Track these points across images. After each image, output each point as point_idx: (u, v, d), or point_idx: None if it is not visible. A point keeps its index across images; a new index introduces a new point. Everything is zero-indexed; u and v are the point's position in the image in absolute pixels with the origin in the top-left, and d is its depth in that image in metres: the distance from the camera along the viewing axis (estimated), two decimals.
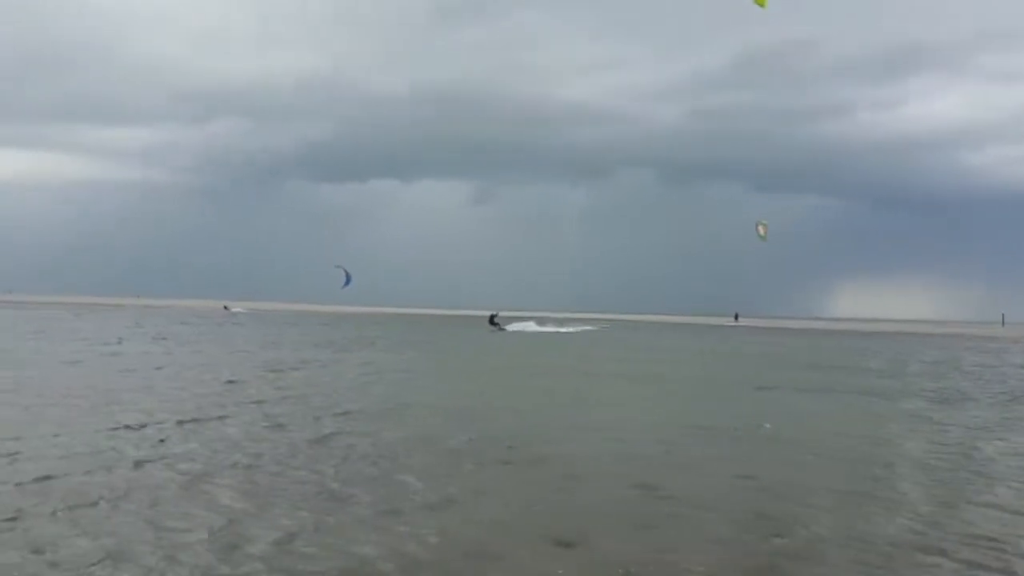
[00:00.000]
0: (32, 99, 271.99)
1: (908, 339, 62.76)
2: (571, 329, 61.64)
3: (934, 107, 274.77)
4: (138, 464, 8.99)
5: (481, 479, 8.99)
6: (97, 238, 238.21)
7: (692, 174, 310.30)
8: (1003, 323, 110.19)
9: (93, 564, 5.76)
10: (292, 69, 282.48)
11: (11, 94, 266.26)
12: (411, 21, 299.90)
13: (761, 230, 52.78)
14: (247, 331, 46.20)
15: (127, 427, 11.30)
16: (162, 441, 10.39)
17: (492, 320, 56.98)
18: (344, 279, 53.22)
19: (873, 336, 69.93)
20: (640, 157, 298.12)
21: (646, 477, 9.22)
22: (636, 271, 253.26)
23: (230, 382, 17.80)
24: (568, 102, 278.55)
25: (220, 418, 12.48)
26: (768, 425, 13.55)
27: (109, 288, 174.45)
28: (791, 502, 8.27)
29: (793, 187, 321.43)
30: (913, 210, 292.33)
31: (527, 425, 13.07)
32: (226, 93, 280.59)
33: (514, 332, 54.89)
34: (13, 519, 6.73)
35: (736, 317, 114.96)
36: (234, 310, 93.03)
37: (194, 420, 12.15)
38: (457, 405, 15.22)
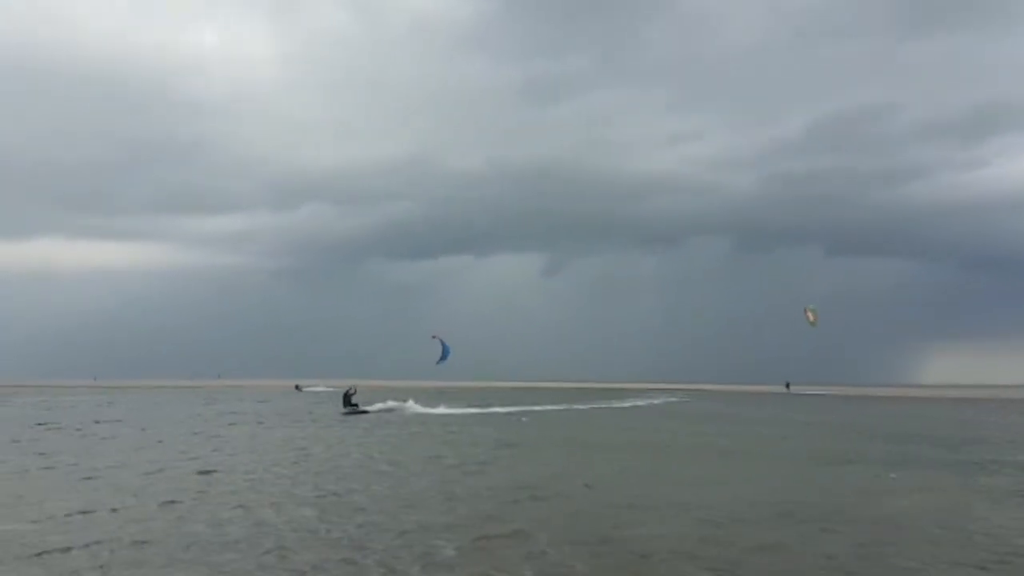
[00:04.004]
0: (136, 193, 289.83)
1: (989, 405, 59.66)
2: (454, 411, 45.33)
3: (1018, 166, 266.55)
4: None
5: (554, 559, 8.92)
6: (186, 322, 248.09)
7: (767, 240, 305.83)
8: None
9: None
10: (375, 154, 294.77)
11: (117, 189, 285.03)
12: (492, 102, 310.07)
13: (810, 316, 51.77)
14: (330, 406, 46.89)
15: None
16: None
17: (347, 399, 43.08)
18: (441, 352, 46.71)
19: (962, 403, 66.72)
20: (714, 225, 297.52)
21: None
22: (706, 339, 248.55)
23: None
24: (643, 174, 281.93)
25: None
26: None
27: (188, 370, 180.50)
28: None
29: (872, 251, 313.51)
30: (1000, 271, 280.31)
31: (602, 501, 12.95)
32: (312, 180, 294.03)
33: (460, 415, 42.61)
34: None
35: (787, 386, 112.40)
36: (306, 389, 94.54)
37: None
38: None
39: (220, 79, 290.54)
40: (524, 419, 38.61)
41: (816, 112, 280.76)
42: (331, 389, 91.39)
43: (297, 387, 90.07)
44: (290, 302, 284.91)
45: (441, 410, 44.59)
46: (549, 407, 53.92)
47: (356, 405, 42.48)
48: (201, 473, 16.52)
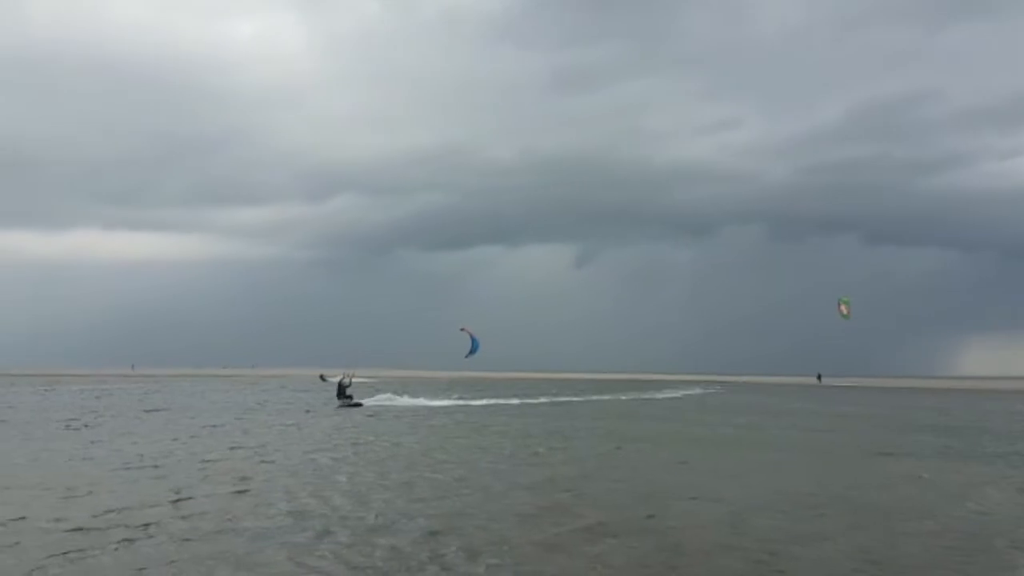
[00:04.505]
0: (171, 185, 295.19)
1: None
2: (446, 402, 43.82)
3: None
4: None
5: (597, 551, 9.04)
6: (220, 313, 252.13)
7: (802, 230, 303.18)
8: None
9: None
10: (407, 145, 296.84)
11: (152, 181, 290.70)
12: (524, 92, 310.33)
13: (844, 309, 51.12)
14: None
15: None
16: None
17: (342, 391, 40.00)
18: (469, 345, 45.22)
19: (1000, 395, 65.54)
20: (748, 214, 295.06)
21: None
22: (738, 330, 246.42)
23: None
24: (676, 163, 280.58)
25: None
26: None
27: (222, 360, 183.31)
28: None
29: (910, 240, 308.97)
30: None
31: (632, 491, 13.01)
32: (345, 172, 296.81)
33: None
34: None
35: (819, 377, 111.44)
36: (330, 379, 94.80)
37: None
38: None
39: (254, 72, 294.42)
40: (539, 409, 38.63)
41: (853, 100, 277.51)
42: (360, 380, 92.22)
43: (322, 377, 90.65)
44: (322, 293, 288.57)
45: (441, 402, 44.05)
46: (576, 398, 54.01)
47: (350, 397, 39.80)
48: (264, 461, 16.90)
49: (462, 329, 45.56)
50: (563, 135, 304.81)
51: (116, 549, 8.88)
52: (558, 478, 14.80)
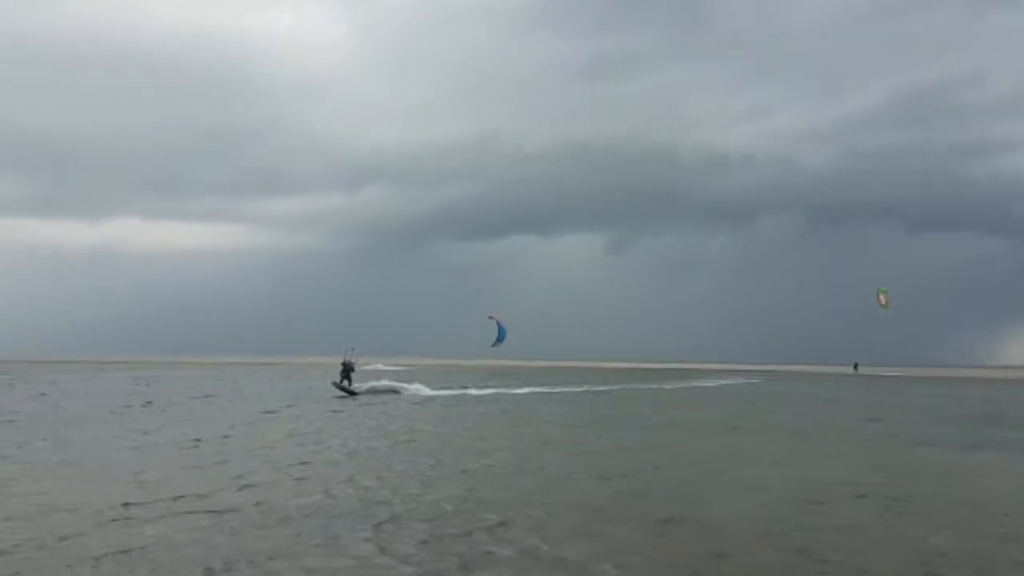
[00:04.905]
0: (206, 176, 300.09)
1: None
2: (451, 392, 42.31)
3: None
4: None
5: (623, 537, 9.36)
6: (258, 301, 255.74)
7: (842, 216, 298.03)
8: None
9: None
10: (441, 134, 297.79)
11: (189, 172, 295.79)
12: (559, 80, 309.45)
13: (882, 299, 50.59)
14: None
15: None
16: None
17: (345, 373, 38.35)
18: (497, 334, 44.20)
19: None
20: (786, 201, 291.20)
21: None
22: (775, 318, 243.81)
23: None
24: (713, 150, 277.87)
25: None
26: None
27: (260, 348, 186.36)
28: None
29: (953, 227, 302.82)
30: None
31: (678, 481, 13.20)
32: (379, 161, 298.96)
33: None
34: None
35: (856, 367, 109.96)
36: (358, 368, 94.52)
37: None
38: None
39: (291, 62, 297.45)
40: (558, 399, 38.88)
41: (894, 84, 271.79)
42: (386, 368, 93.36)
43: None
44: (356, 282, 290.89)
45: (480, 391, 43.70)
46: (612, 387, 54.23)
47: (349, 381, 38.17)
48: (320, 446, 17.61)
49: (491, 317, 45.41)
50: (597, 122, 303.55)
51: (196, 539, 9.03)
52: (603, 467, 15.04)
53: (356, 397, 36.78)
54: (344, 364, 38.33)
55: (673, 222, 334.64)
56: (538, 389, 47.08)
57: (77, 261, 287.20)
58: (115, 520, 9.95)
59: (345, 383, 38.09)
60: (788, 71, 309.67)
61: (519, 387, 48.59)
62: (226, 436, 19.56)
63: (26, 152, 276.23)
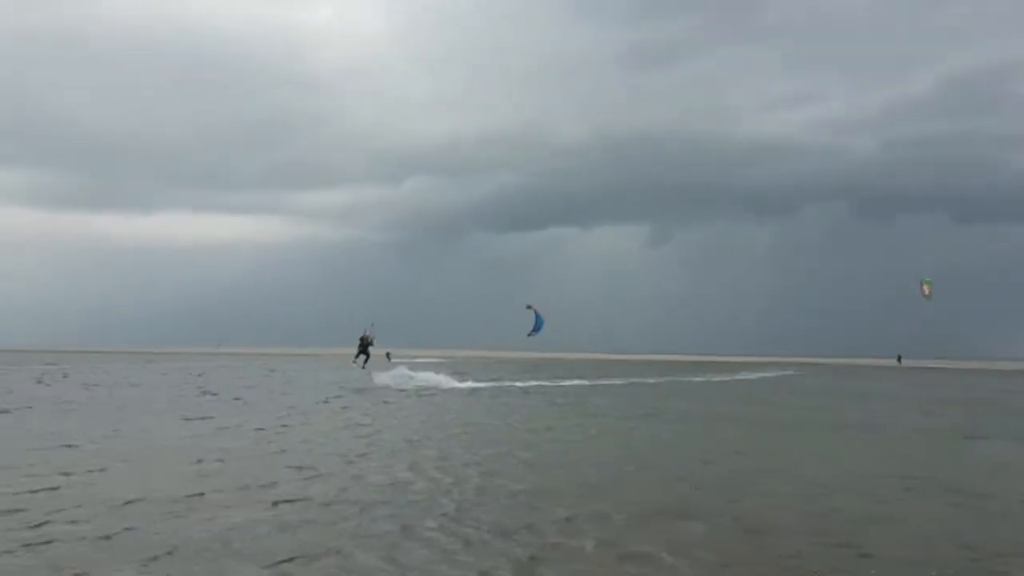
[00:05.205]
0: (248, 168, 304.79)
1: None
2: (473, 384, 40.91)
3: None
4: None
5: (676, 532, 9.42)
6: (299, 293, 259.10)
7: (888, 207, 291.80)
8: None
9: None
10: (481, 126, 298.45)
11: (230, 164, 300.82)
12: (598, 70, 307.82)
13: (926, 289, 49.74)
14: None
15: None
16: None
17: (363, 350, 38.42)
18: (533, 323, 43.00)
19: None
20: (830, 191, 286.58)
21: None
22: (818, 311, 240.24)
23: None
24: (755, 138, 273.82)
25: None
26: None
27: (300, 339, 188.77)
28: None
29: (1003, 218, 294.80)
30: None
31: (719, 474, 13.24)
32: (419, 153, 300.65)
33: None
34: None
35: (899, 359, 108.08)
36: (394, 360, 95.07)
37: None
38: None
39: (332, 56, 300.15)
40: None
41: (944, 70, 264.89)
42: (422, 360, 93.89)
43: (388, 355, 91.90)
44: (397, 274, 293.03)
45: (525, 383, 43.50)
46: (654, 380, 54.02)
47: (367, 356, 37.39)
48: (377, 436, 18.04)
49: (528, 306, 44.15)
50: (638, 112, 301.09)
51: (269, 529, 9.23)
52: (660, 461, 15.16)
53: (404, 391, 36.70)
54: (362, 339, 38.35)
55: (714, 213, 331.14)
56: (584, 382, 47.15)
57: (124, 254, 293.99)
58: (185, 509, 10.16)
59: (363, 357, 38.31)
60: (832, 58, 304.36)
61: (564, 379, 48.66)
62: (284, 425, 20.00)
63: (75, 147, 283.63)
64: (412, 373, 40.91)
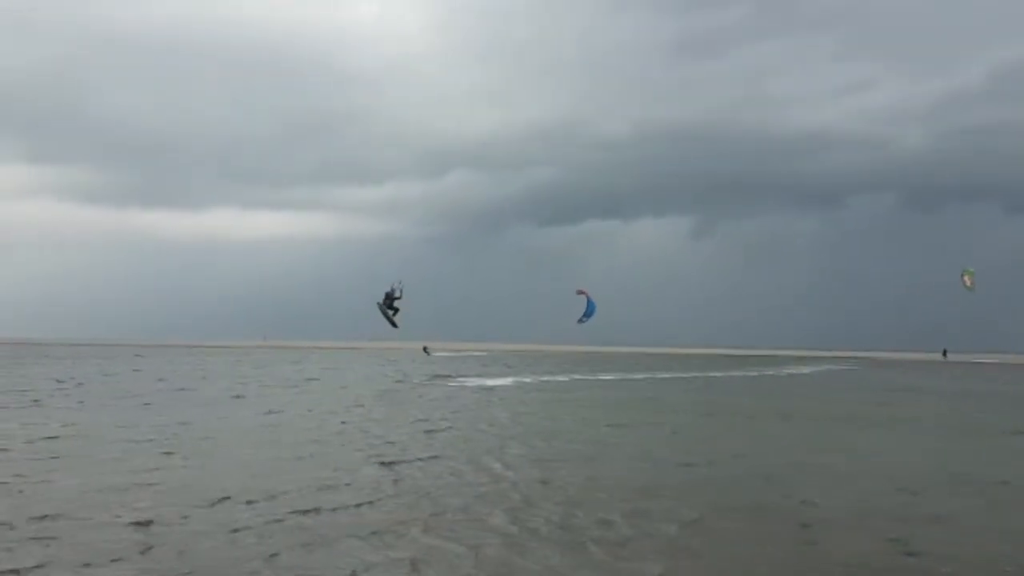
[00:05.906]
0: (293, 165, 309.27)
1: None
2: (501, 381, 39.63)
3: None
4: None
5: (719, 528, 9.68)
6: (344, 287, 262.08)
7: (938, 198, 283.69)
8: None
9: None
10: (523, 119, 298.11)
11: (276, 161, 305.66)
12: (643, 61, 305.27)
13: (967, 280, 48.79)
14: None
15: None
16: None
17: (389, 304, 36.94)
18: (585, 308, 41.53)
19: None
20: (879, 182, 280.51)
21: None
22: (866, 304, 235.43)
23: None
24: (803, 129, 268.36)
25: None
26: None
27: (345, 333, 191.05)
28: None
29: None
30: None
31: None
32: (461, 147, 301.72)
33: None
34: None
35: (944, 353, 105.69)
36: (434, 353, 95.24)
37: None
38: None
39: (376, 51, 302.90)
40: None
41: (998, 59, 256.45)
42: (454, 354, 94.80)
43: (425, 349, 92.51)
44: (439, 268, 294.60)
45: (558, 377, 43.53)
46: (701, 373, 53.93)
47: (394, 311, 36.44)
48: (436, 430, 18.65)
49: (580, 292, 42.79)
50: (682, 104, 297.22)
51: (351, 519, 9.51)
52: (715, 456, 15.30)
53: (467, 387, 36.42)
54: (387, 295, 37.46)
55: (760, 206, 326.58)
56: (633, 376, 47.30)
57: (179, 250, 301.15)
58: (275, 508, 10.18)
59: (389, 312, 37.30)
60: (881, 47, 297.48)
61: (608, 373, 48.92)
62: (343, 423, 20.65)
63: (128, 146, 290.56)
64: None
